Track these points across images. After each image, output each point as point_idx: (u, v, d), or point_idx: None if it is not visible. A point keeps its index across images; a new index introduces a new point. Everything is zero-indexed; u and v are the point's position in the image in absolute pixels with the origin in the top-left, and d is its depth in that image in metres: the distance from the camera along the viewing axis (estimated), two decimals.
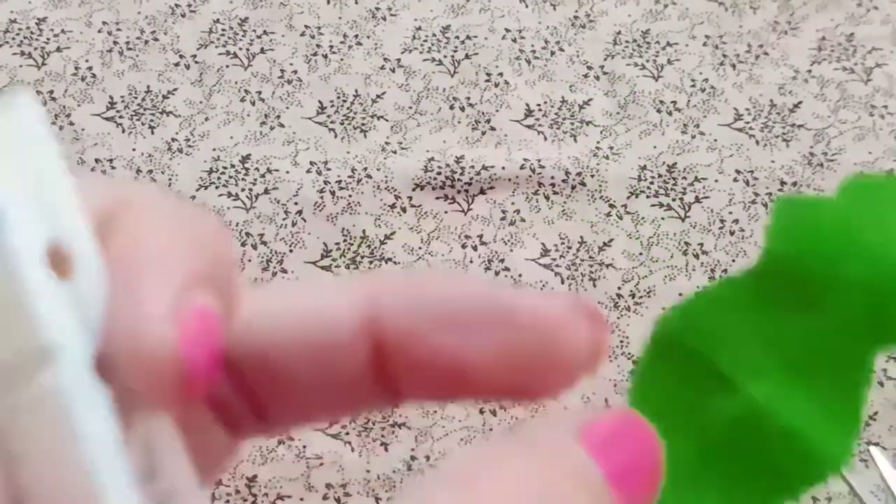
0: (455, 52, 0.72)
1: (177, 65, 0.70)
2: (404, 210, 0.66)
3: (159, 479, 0.14)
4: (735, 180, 0.67)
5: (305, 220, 0.65)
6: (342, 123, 0.69)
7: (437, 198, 0.66)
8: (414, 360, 0.17)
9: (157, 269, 0.14)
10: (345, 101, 0.69)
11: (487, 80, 0.70)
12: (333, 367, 0.17)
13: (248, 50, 0.71)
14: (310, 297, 0.18)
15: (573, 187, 0.66)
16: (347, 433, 0.59)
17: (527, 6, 0.74)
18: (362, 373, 0.17)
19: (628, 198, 0.66)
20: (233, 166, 0.67)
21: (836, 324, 0.15)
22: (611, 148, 0.68)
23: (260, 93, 0.69)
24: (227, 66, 0.70)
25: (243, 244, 0.64)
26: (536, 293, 0.18)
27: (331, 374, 0.18)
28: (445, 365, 0.17)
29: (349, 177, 0.66)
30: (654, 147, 0.68)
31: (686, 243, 0.65)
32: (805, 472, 0.15)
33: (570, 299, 0.16)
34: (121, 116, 0.68)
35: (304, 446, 0.59)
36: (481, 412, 0.59)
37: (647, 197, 0.67)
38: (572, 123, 0.69)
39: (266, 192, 0.66)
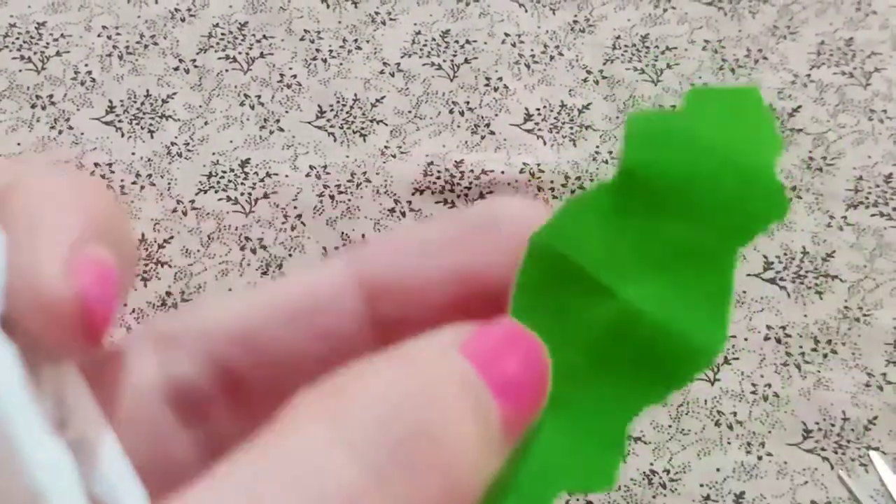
0: (454, 56, 0.72)
1: (176, 69, 0.70)
2: (404, 214, 0.66)
3: (69, 428, 0.15)
4: None
5: (305, 225, 0.65)
6: (341, 128, 0.69)
7: (437, 202, 0.66)
8: (410, 289, 0.17)
9: (48, 227, 0.15)
10: (344, 105, 0.69)
11: (487, 85, 0.70)
12: (333, 329, 0.18)
13: (247, 54, 0.71)
14: (294, 277, 0.18)
15: (573, 191, 0.66)
16: None
17: (526, 11, 0.74)
18: (361, 326, 0.18)
19: None
20: (232, 170, 0.67)
21: (695, 224, 0.16)
22: (610, 152, 0.68)
23: (259, 97, 0.69)
24: (227, 71, 0.70)
25: (242, 248, 0.64)
26: (504, 199, 0.18)
27: (332, 336, 0.18)
28: (449, 281, 0.17)
29: (348, 181, 0.66)
30: None
31: None
32: (685, 363, 0.16)
33: (523, 195, 0.17)
34: (120, 121, 0.68)
35: None
36: None
37: None
38: (572, 128, 0.69)
39: (265, 196, 0.66)
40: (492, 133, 0.69)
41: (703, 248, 0.16)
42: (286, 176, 0.66)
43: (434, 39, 0.72)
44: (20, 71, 0.70)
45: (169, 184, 0.66)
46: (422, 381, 0.14)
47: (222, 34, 0.72)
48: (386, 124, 0.69)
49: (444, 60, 0.71)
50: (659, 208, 0.16)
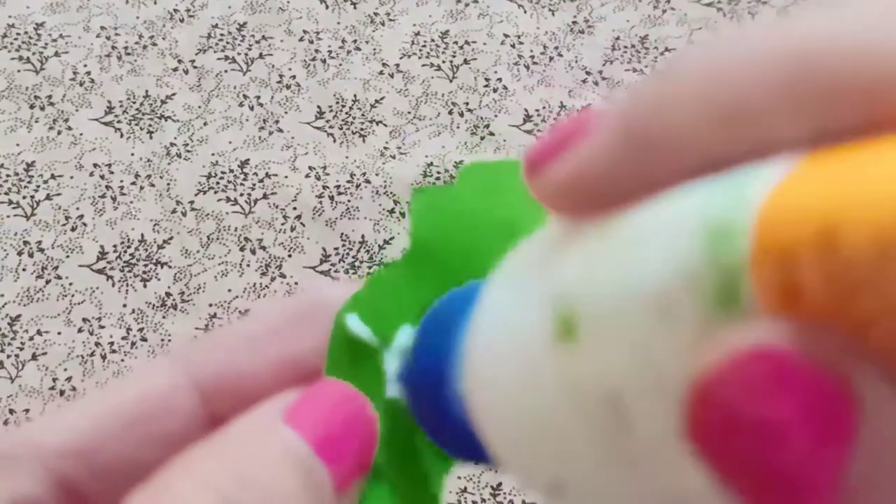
0: (454, 57, 0.72)
1: (175, 70, 0.70)
2: (403, 215, 0.66)
3: None
4: None
5: (304, 225, 0.65)
6: (341, 128, 0.69)
7: None
8: (242, 383, 0.18)
9: None
10: (343, 105, 0.69)
11: (486, 86, 0.71)
12: (170, 433, 0.18)
13: (246, 55, 0.71)
14: (125, 384, 0.19)
15: None
16: None
17: (525, 12, 0.74)
18: (199, 426, 0.18)
19: None
20: (231, 171, 0.67)
21: None
22: None
23: (258, 97, 0.69)
24: (226, 71, 0.70)
25: (242, 249, 0.64)
26: (326, 284, 0.19)
27: (169, 440, 0.18)
28: (278, 370, 0.18)
29: (348, 182, 0.66)
30: None
31: None
32: None
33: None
34: (119, 121, 0.68)
35: None
36: None
37: None
38: None
39: (265, 196, 0.66)
40: (491, 134, 0.69)
41: None
42: (285, 177, 0.66)
43: (433, 40, 0.72)
44: (19, 71, 0.70)
45: (168, 184, 0.66)
46: (245, 463, 0.15)
47: (221, 35, 0.72)
48: (385, 125, 0.69)
49: (444, 61, 0.71)
50: (449, 277, 0.17)
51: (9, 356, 0.61)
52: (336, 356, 0.18)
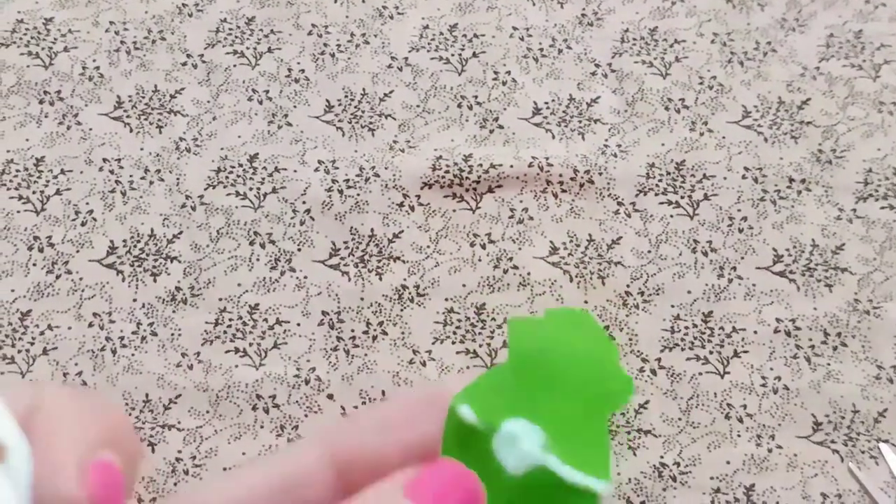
0: (462, 50, 0.71)
1: (184, 64, 0.70)
2: (412, 209, 0.66)
3: None
4: (744, 177, 0.67)
5: (314, 219, 0.65)
6: (350, 122, 0.68)
7: (446, 196, 0.66)
8: (374, 461, 0.21)
9: (65, 439, 0.19)
10: (352, 99, 0.69)
11: (495, 79, 0.70)
12: (312, 500, 0.22)
13: (255, 49, 0.71)
14: (279, 457, 0.22)
15: (581, 185, 0.66)
16: None
17: (534, 4, 0.73)
18: (335, 495, 0.22)
19: (637, 195, 0.66)
20: (240, 165, 0.67)
21: (571, 398, 0.21)
22: (619, 146, 0.68)
23: (267, 92, 0.69)
24: (235, 66, 0.70)
25: (252, 243, 0.64)
26: (451, 378, 0.24)
27: (317, 502, 0.22)
28: (404, 452, 0.21)
29: (357, 175, 0.66)
30: (663, 145, 0.68)
31: (695, 241, 0.65)
32: (582, 501, 0.20)
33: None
34: (128, 116, 0.68)
35: None
36: None
37: (656, 195, 0.66)
38: (580, 121, 0.69)
39: (274, 191, 0.66)
40: (500, 127, 0.69)
41: (581, 415, 0.21)
42: (294, 171, 0.66)
43: (442, 33, 0.72)
44: (28, 66, 0.70)
45: (178, 179, 0.66)
46: None
47: (230, 29, 0.72)
48: (394, 118, 0.69)
49: (452, 54, 0.71)
50: (543, 384, 0.21)
51: (20, 351, 0.61)
52: (451, 440, 0.21)
